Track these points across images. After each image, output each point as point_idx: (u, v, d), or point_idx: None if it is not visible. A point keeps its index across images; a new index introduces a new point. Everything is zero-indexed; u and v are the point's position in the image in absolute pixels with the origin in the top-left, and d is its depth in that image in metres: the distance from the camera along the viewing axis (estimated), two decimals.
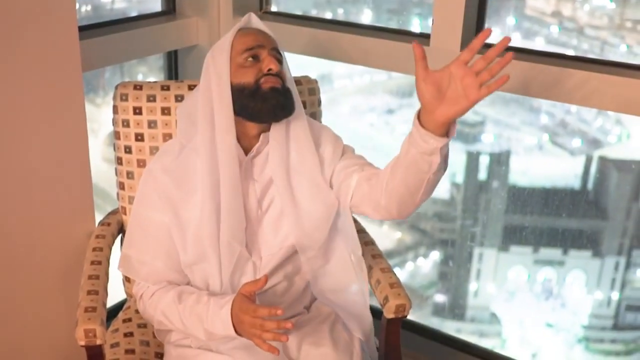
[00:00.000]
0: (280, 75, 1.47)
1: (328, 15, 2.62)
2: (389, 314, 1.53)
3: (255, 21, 1.57)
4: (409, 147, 1.31)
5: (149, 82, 1.76)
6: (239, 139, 1.49)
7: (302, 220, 1.50)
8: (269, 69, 1.45)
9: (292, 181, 1.51)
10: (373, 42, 2.02)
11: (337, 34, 2.08)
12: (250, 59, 1.47)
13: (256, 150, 1.52)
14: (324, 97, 1.84)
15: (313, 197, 1.51)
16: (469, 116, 3.88)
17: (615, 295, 3.37)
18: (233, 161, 1.46)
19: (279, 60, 1.50)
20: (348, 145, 1.61)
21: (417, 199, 1.39)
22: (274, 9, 2.35)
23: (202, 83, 1.52)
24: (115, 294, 1.82)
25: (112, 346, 1.60)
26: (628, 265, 3.25)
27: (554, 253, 3.37)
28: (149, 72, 2.78)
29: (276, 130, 1.51)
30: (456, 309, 3.60)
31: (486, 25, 1.94)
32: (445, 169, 1.35)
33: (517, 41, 2.63)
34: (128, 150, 1.73)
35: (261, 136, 1.51)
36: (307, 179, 1.52)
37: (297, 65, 1.58)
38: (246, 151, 1.51)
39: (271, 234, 1.52)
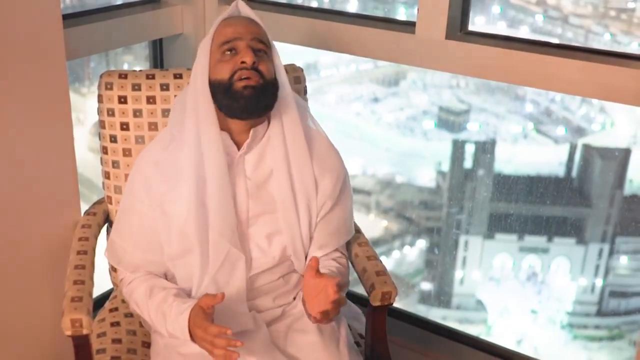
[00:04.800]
0: (257, 68, 1.40)
1: (314, 4, 2.62)
2: (375, 301, 1.54)
3: (243, 9, 1.52)
4: None
5: (134, 70, 1.75)
6: (231, 135, 1.47)
7: (300, 228, 1.50)
8: (242, 62, 1.40)
9: (295, 185, 1.49)
10: (359, 30, 2.02)
11: (323, 22, 2.08)
12: (228, 52, 1.43)
13: (247, 146, 1.48)
14: (310, 86, 1.84)
15: (309, 210, 1.50)
16: (455, 104, 3.90)
17: (599, 282, 3.41)
18: (218, 154, 1.43)
19: (260, 49, 1.44)
20: (345, 185, 1.57)
21: None
22: None
23: (191, 74, 1.50)
24: (101, 283, 1.81)
25: (98, 336, 1.60)
26: (612, 252, 3.28)
27: (539, 240, 3.40)
28: (135, 61, 2.76)
29: (273, 129, 1.49)
30: (442, 297, 3.62)
31: (471, 14, 1.94)
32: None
33: (502, 29, 2.64)
34: (113, 139, 1.72)
35: (251, 132, 1.47)
36: (304, 191, 1.49)
37: (282, 54, 1.55)
38: (239, 147, 1.48)
39: (264, 237, 1.49)
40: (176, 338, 1.41)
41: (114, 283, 1.81)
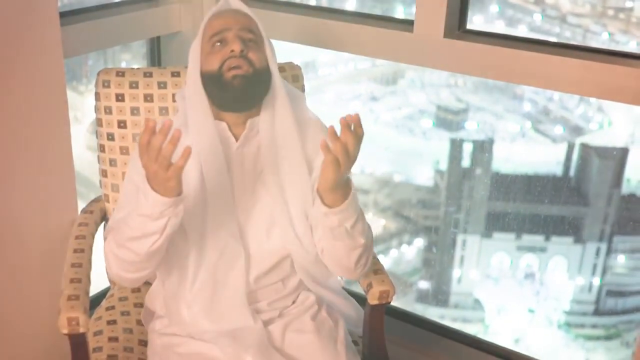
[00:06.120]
0: (246, 57, 1.39)
1: (312, 2, 2.62)
2: (372, 300, 1.53)
3: (233, 1, 1.51)
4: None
5: (132, 68, 1.75)
6: (229, 127, 1.45)
7: (293, 224, 1.47)
8: (231, 51, 1.39)
9: (284, 183, 1.47)
10: (357, 28, 2.02)
11: (322, 21, 2.07)
12: (217, 44, 1.42)
13: (244, 138, 1.46)
14: (308, 85, 1.84)
15: (303, 202, 1.47)
16: (453, 103, 3.90)
17: (596, 281, 3.42)
18: (213, 147, 1.42)
19: (250, 39, 1.43)
20: None
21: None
22: None
23: (187, 71, 1.49)
24: (98, 282, 1.81)
25: (95, 334, 1.60)
26: (609, 251, 3.29)
27: (537, 239, 3.41)
28: (133, 59, 2.76)
29: (264, 119, 1.47)
30: (440, 295, 3.63)
31: (470, 13, 1.94)
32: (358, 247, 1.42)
33: (500, 28, 2.65)
34: (110, 137, 1.72)
35: (248, 123, 1.46)
36: (297, 183, 1.47)
37: (280, 52, 1.55)
38: (238, 139, 1.46)
39: (263, 234, 1.48)
40: (146, 232, 1.32)
41: (110, 281, 1.81)
